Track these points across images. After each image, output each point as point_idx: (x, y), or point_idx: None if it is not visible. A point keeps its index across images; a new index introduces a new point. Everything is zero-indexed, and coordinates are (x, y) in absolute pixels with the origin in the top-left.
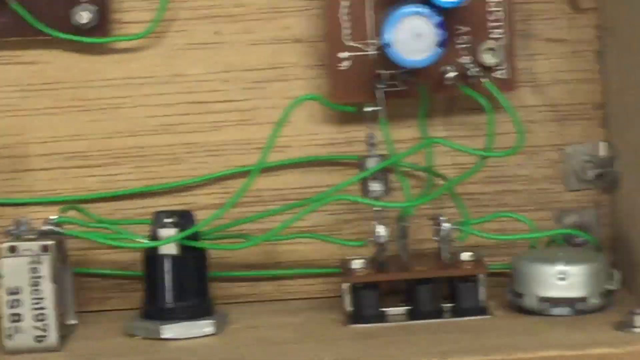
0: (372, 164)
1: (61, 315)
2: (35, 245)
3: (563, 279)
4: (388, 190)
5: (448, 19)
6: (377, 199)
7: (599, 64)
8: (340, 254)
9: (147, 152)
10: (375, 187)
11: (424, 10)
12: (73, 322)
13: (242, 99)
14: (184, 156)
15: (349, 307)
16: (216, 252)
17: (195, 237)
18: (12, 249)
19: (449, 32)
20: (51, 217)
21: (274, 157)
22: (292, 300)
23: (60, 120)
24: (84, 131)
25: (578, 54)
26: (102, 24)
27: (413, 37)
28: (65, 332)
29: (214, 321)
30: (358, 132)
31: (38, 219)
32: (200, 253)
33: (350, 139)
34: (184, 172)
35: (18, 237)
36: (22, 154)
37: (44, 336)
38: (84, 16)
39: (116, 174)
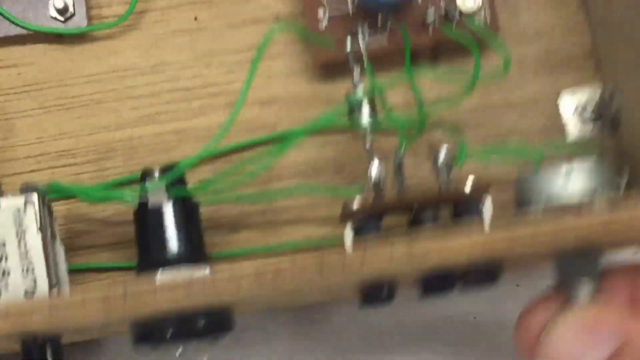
0: (359, 93)
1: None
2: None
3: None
4: (378, 124)
5: None
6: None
7: (584, 12)
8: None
9: (135, 144)
10: (365, 120)
11: None
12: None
13: (226, 82)
14: (173, 144)
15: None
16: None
17: (183, 184)
18: None
19: None
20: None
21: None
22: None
23: (45, 121)
24: (70, 129)
25: (562, 1)
26: (79, 17)
27: None
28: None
29: (210, 266)
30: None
31: None
32: (191, 203)
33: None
34: (175, 159)
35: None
36: (10, 157)
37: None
38: (59, 5)
39: (106, 169)
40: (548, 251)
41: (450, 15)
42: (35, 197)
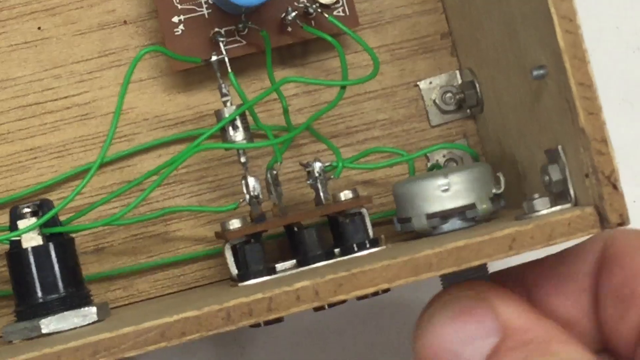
0: (228, 112)
1: None
2: None
3: (447, 190)
4: (250, 137)
5: None
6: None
7: None
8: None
9: None
10: (238, 136)
11: None
12: None
13: (78, 92)
14: (28, 163)
15: (234, 269)
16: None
17: (56, 223)
18: None
19: None
20: None
21: (123, 147)
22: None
23: None
24: None
25: None
26: None
27: None
28: None
29: (96, 307)
30: (207, 106)
31: None
32: (67, 240)
33: (199, 114)
34: (32, 179)
35: None
36: None
37: None
38: None
39: None
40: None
41: (309, 11)
42: None
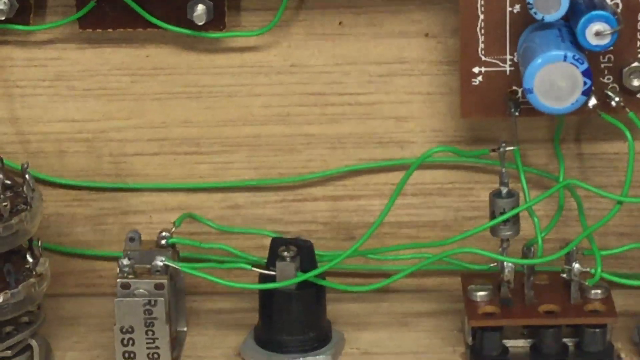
0: (503, 206)
1: (172, 327)
2: (149, 284)
3: None
4: (518, 231)
5: None
6: (507, 240)
7: None
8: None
9: (261, 142)
10: (506, 232)
11: (571, 55)
12: (183, 329)
13: (364, 92)
14: (300, 147)
15: (470, 339)
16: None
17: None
18: (125, 286)
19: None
20: (164, 234)
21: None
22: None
23: (171, 106)
24: (196, 118)
25: None
26: (217, 18)
27: (555, 84)
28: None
29: (330, 351)
30: (485, 132)
31: (149, 210)
32: (319, 288)
33: (478, 137)
34: (299, 163)
35: (132, 272)
36: (133, 138)
37: None
38: (199, 10)
39: (229, 162)
40: None
41: (612, 103)
42: (166, 284)
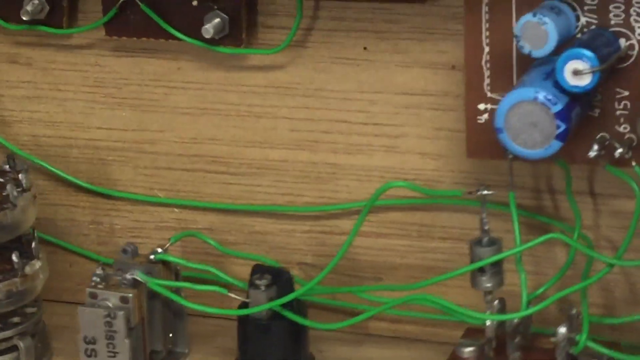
0: (483, 254)
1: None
2: (115, 296)
3: None
4: (501, 283)
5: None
6: (488, 292)
7: None
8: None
9: (288, 167)
10: (486, 283)
11: (542, 94)
12: (184, 351)
13: (391, 123)
14: (326, 177)
15: None
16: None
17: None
18: (93, 296)
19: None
20: (158, 250)
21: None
22: None
23: (201, 122)
24: (224, 136)
25: None
26: (234, 33)
27: (527, 126)
28: None
29: None
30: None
31: (179, 227)
32: (296, 323)
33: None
34: (326, 193)
35: (105, 283)
36: (166, 151)
37: None
38: (212, 25)
39: (256, 186)
40: None
41: (616, 153)
42: (132, 298)
